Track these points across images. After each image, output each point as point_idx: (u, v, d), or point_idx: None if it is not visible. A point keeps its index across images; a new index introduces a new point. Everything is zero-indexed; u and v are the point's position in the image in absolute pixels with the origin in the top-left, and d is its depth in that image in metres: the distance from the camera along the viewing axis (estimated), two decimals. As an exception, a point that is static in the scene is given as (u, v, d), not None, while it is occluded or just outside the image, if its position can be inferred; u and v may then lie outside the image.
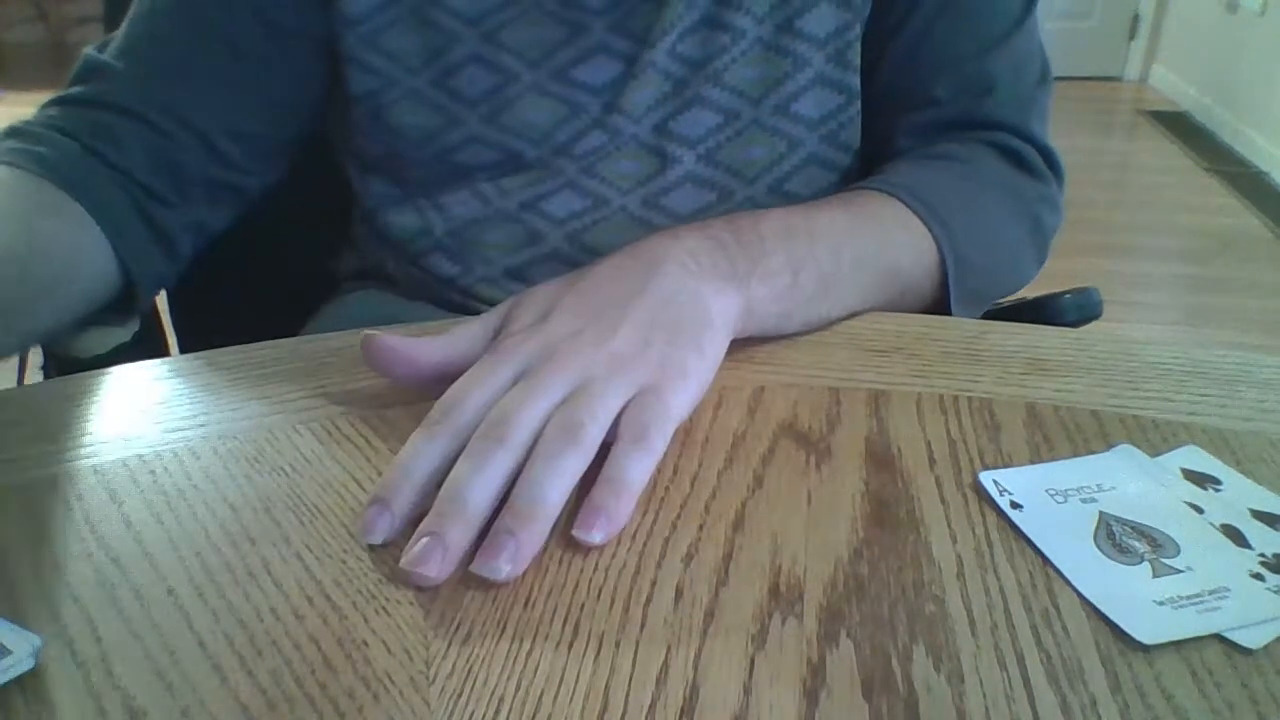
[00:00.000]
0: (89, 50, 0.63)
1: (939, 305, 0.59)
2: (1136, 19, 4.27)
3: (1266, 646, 0.33)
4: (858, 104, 0.64)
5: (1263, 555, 0.36)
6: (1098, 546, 0.37)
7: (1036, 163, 0.66)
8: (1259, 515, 0.39)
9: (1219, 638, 0.33)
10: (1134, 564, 0.36)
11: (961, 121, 0.64)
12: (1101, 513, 0.39)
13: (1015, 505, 0.39)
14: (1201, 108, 3.78)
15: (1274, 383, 0.48)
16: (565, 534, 0.37)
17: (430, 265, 0.66)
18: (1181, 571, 0.36)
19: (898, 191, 0.57)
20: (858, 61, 0.63)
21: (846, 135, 0.65)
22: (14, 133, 0.59)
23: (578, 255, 0.64)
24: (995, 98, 0.64)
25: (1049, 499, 0.39)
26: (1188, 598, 0.34)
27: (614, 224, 0.64)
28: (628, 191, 0.64)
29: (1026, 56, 0.66)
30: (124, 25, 0.63)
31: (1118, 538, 0.37)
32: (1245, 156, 3.39)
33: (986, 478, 0.40)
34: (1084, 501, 0.39)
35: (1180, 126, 3.70)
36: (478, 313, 0.65)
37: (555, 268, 0.64)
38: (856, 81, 0.64)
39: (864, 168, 0.67)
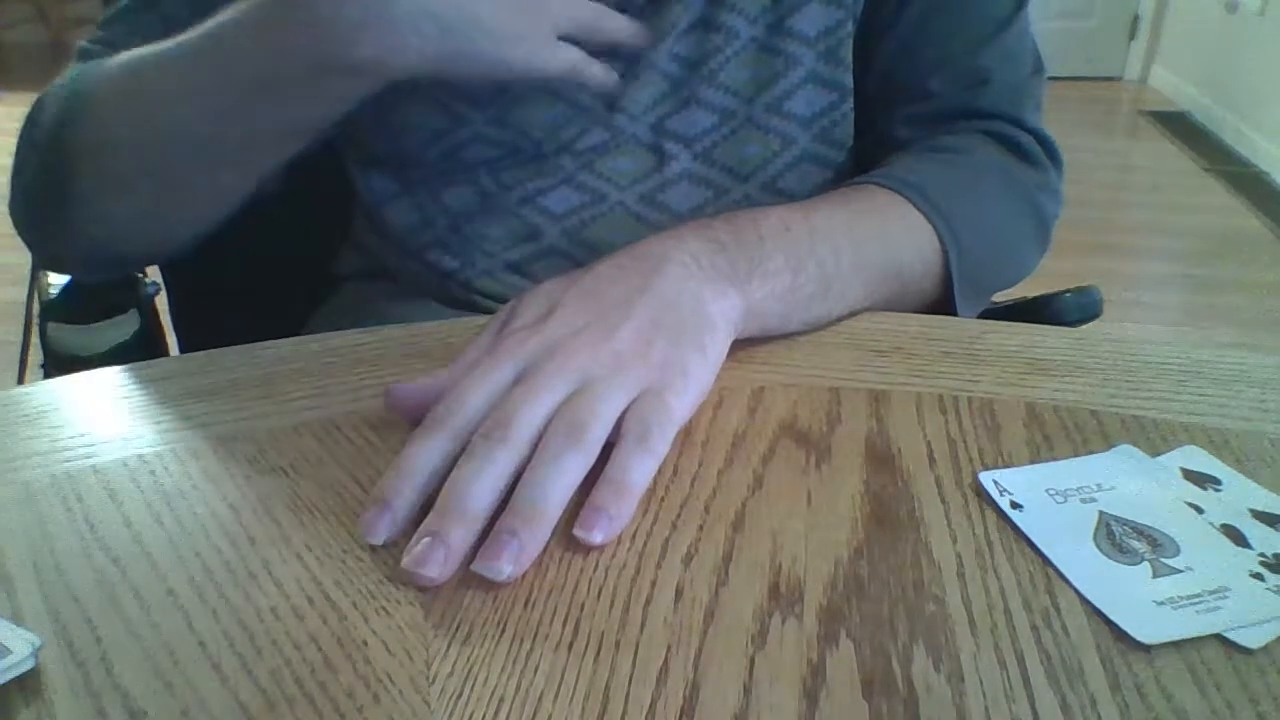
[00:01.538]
0: (82, 43, 0.63)
1: (942, 300, 0.59)
2: (1136, 19, 4.27)
3: (1266, 646, 0.33)
4: (850, 101, 0.65)
5: (1263, 555, 0.36)
6: (1098, 546, 0.37)
7: (1035, 150, 0.66)
8: (1259, 515, 0.39)
9: (1219, 637, 0.33)
10: (1134, 564, 0.36)
11: (958, 113, 0.65)
12: (1101, 513, 0.39)
13: (1015, 505, 0.39)
14: (1201, 108, 3.78)
15: (1274, 383, 0.48)
16: (565, 534, 0.37)
17: (430, 260, 0.66)
18: (1181, 571, 0.36)
19: (898, 185, 0.57)
20: (850, 59, 0.64)
21: (839, 132, 0.65)
22: (59, 80, 0.59)
23: (576, 251, 0.64)
24: (990, 89, 0.65)
25: (1049, 499, 0.39)
26: (1188, 598, 0.34)
27: (612, 220, 0.64)
28: (625, 188, 0.64)
29: (1019, 49, 0.66)
30: (114, 14, 0.62)
31: (1118, 538, 0.37)
32: (1245, 156, 3.38)
33: (986, 478, 0.40)
34: (1084, 501, 0.39)
35: (1180, 126, 3.70)
36: (479, 308, 0.65)
37: (555, 262, 0.64)
38: (849, 79, 0.64)
39: (859, 162, 0.67)
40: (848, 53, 0.63)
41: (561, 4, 0.54)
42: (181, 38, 0.53)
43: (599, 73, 0.57)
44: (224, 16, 0.52)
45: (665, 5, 0.61)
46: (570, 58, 0.55)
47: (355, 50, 0.49)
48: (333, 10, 0.48)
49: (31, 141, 0.58)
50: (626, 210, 0.64)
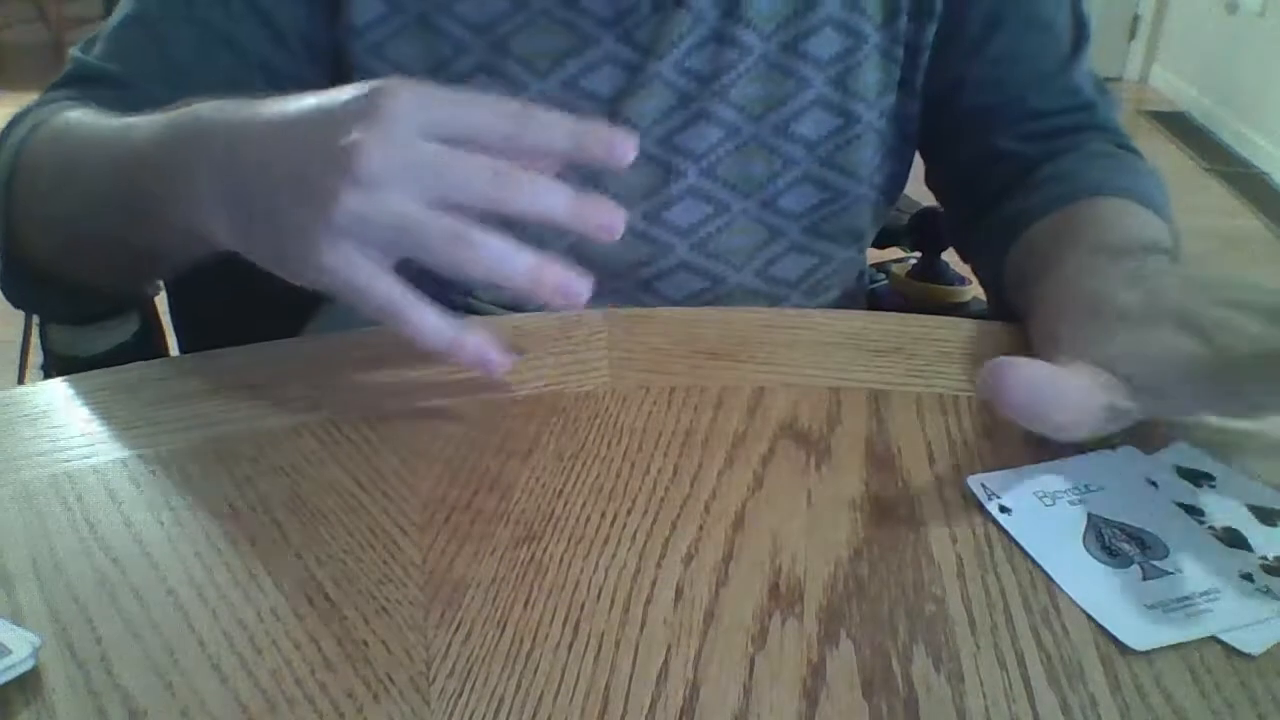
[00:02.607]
0: (76, 53, 0.62)
1: None
2: (1136, 19, 4.27)
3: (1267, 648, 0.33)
4: (858, 128, 0.65)
5: (1264, 558, 0.36)
6: (1087, 550, 0.37)
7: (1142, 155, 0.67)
8: (1257, 511, 0.39)
9: (1218, 639, 0.33)
10: (1123, 567, 0.36)
11: (1076, 127, 0.66)
12: (1090, 515, 0.39)
13: (1004, 509, 0.39)
14: (1201, 108, 3.78)
15: (1274, 383, 0.47)
16: (565, 534, 0.37)
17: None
18: (1170, 574, 0.36)
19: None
20: (863, 88, 0.64)
21: (843, 157, 0.65)
22: (31, 109, 0.59)
23: (580, 263, 0.64)
24: (1096, 104, 0.66)
25: (1037, 501, 0.39)
26: (1177, 600, 0.34)
27: None
28: (630, 205, 0.63)
29: (1090, 67, 0.68)
30: (114, 27, 0.62)
31: (1106, 540, 0.37)
32: (1245, 157, 3.38)
33: (975, 481, 0.40)
34: (1072, 503, 0.39)
35: (1180, 126, 3.70)
36: (476, 310, 0.65)
37: None
38: (861, 108, 0.64)
39: (957, 173, 0.69)
40: (860, 83, 0.64)
41: (360, 200, 0.39)
42: (109, 124, 0.52)
43: (411, 317, 0.42)
44: (148, 124, 0.49)
45: (671, 16, 0.61)
46: (353, 274, 0.41)
47: (180, 216, 0.47)
48: (174, 174, 0.46)
49: None
50: (629, 228, 0.64)
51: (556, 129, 0.42)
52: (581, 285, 0.42)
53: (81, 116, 0.55)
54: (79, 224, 0.55)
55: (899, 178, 0.70)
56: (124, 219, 0.51)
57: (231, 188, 0.43)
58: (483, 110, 0.41)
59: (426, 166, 0.40)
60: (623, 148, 0.42)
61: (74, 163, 0.54)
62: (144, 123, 0.49)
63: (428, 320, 0.42)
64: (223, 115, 0.45)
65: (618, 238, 0.42)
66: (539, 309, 0.58)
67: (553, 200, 0.41)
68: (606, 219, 0.42)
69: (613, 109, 0.62)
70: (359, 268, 0.41)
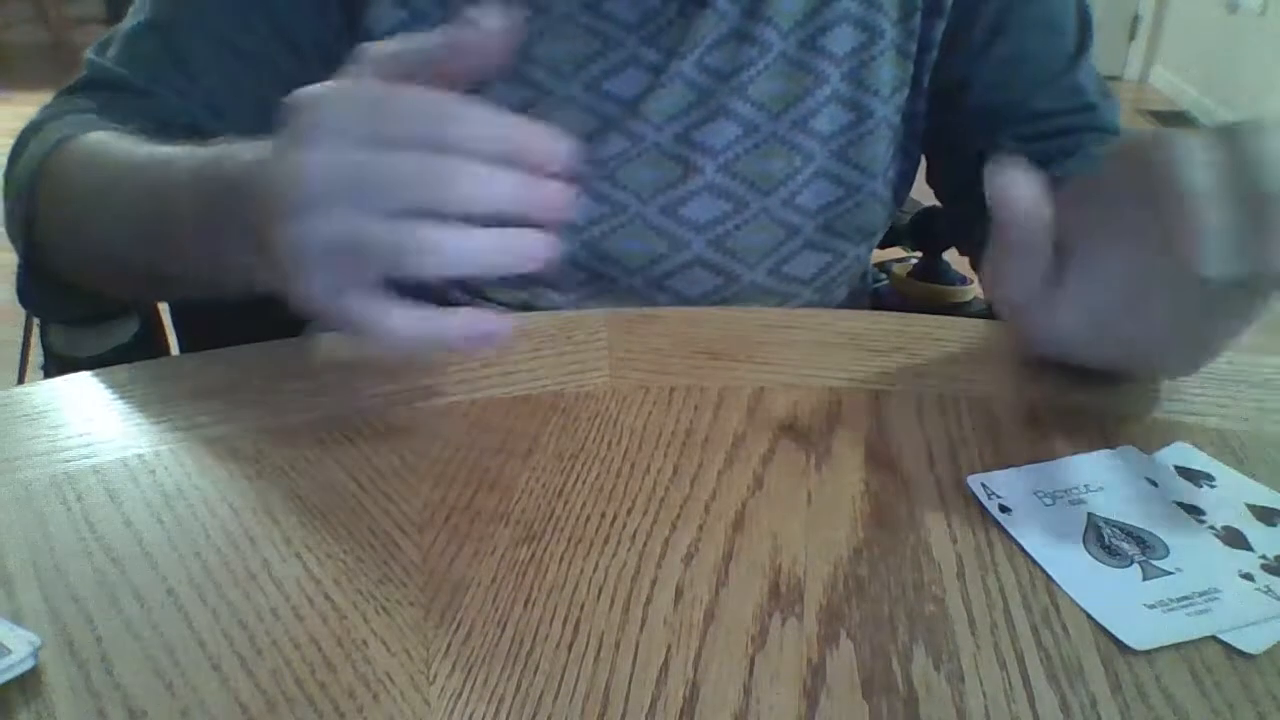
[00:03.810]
0: (90, 55, 0.62)
1: None
2: (1136, 19, 4.27)
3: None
4: (871, 124, 0.65)
5: (1264, 558, 0.36)
6: (1087, 550, 0.37)
7: None
8: (1257, 511, 0.39)
9: (1218, 639, 0.33)
10: (1123, 566, 0.36)
11: (1078, 128, 0.66)
12: (1090, 514, 0.39)
13: (1004, 509, 0.39)
14: (1201, 108, 3.78)
15: (1274, 382, 0.48)
16: (566, 534, 0.37)
17: None
18: (1171, 573, 0.36)
19: None
20: (878, 84, 0.64)
21: (855, 152, 0.65)
22: (51, 118, 0.58)
23: (592, 261, 0.64)
24: (1099, 106, 0.67)
25: (1037, 501, 0.39)
26: (1178, 600, 0.34)
27: (630, 231, 0.64)
28: (647, 200, 0.63)
29: (1093, 69, 0.68)
30: (128, 32, 0.62)
31: (1106, 540, 0.37)
32: (1245, 156, 3.38)
33: (974, 481, 0.40)
34: (1072, 503, 0.39)
35: (1180, 126, 3.70)
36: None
37: (569, 272, 0.64)
38: (875, 103, 0.65)
39: (962, 174, 0.68)
40: (874, 78, 0.64)
41: (301, 228, 0.38)
42: (145, 152, 0.51)
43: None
44: (186, 158, 0.48)
45: (697, 16, 0.61)
46: (321, 299, 0.39)
47: (224, 254, 0.44)
48: (207, 214, 0.45)
49: (10, 177, 0.58)
50: (645, 222, 0.64)
51: (481, 126, 0.38)
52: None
53: (114, 139, 0.55)
54: (108, 247, 0.54)
55: (908, 175, 0.71)
56: (160, 251, 0.51)
57: (247, 227, 0.42)
58: (402, 108, 0.38)
59: (359, 178, 0.37)
60: (550, 145, 0.39)
61: (107, 188, 0.53)
62: (181, 156, 0.49)
63: (398, 319, 0.39)
64: (242, 156, 0.44)
65: (568, 211, 0.39)
66: (546, 309, 0.58)
67: (498, 188, 0.38)
68: (556, 196, 0.38)
69: (634, 108, 0.62)
70: (324, 292, 0.39)
